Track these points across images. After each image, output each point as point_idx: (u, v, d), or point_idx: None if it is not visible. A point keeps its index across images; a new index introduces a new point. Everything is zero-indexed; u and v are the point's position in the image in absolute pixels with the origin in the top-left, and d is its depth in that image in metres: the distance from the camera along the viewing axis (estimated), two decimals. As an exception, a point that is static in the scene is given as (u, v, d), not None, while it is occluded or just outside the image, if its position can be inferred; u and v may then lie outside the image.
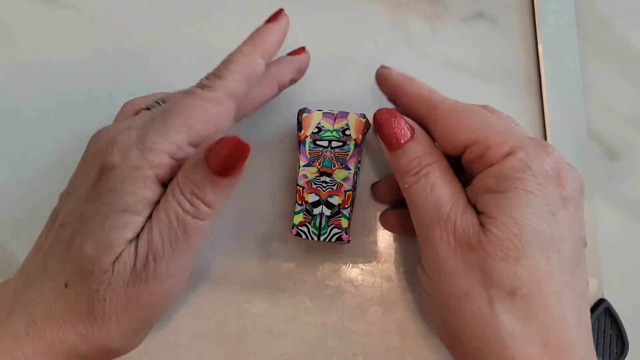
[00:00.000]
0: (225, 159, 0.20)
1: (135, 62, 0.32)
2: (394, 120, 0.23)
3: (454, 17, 0.33)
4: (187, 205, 0.20)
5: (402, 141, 0.23)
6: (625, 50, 0.33)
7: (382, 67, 0.26)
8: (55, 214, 0.23)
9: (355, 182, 0.27)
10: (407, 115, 0.24)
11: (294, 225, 0.26)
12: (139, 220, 0.20)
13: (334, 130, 0.27)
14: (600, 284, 0.30)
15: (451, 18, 0.33)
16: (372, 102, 0.31)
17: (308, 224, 0.26)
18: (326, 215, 0.26)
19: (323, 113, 0.27)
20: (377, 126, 0.23)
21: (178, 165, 0.21)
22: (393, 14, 0.33)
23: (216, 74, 0.22)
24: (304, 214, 0.26)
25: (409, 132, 0.23)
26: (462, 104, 0.23)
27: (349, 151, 0.26)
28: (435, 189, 0.22)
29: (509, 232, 0.20)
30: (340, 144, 0.27)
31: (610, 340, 0.29)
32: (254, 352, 0.28)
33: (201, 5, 0.32)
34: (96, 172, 0.21)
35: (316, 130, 0.27)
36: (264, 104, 0.27)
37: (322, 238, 0.26)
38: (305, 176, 0.26)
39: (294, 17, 0.32)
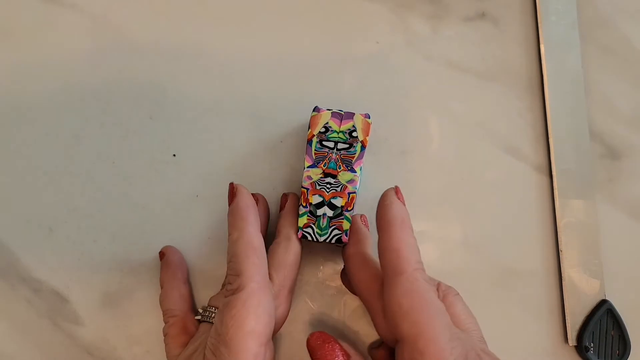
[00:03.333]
0: None
1: (137, 63, 0.32)
2: (327, 347, 0.23)
3: (456, 18, 0.33)
4: None
5: None
6: (627, 50, 0.33)
7: (396, 190, 0.25)
8: None
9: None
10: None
11: (298, 228, 0.26)
12: None
13: (340, 131, 0.27)
14: (602, 285, 0.30)
15: (453, 18, 0.33)
16: (374, 102, 0.31)
17: (312, 225, 0.26)
18: (328, 216, 0.26)
19: (332, 113, 0.27)
20: (309, 351, 0.23)
21: None
22: (395, 15, 0.33)
23: (233, 274, 0.23)
24: (308, 216, 0.26)
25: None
26: (422, 282, 0.22)
27: (355, 153, 0.26)
28: None
29: None
30: (347, 146, 0.26)
31: (612, 340, 0.29)
32: (255, 352, 0.28)
33: (201, 5, 0.32)
34: None
35: (323, 130, 0.27)
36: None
37: (321, 239, 0.26)
38: (309, 177, 0.26)
39: (295, 18, 0.33)
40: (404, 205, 0.24)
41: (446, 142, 0.31)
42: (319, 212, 0.26)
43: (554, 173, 0.31)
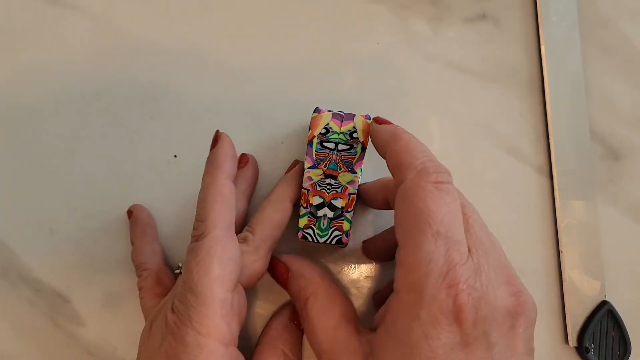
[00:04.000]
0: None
1: (136, 62, 0.32)
2: (273, 264, 0.26)
3: (457, 18, 0.33)
4: None
5: (283, 281, 0.26)
6: (628, 50, 0.33)
7: (375, 120, 0.25)
8: None
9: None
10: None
11: (299, 229, 0.26)
12: None
13: (340, 132, 0.27)
14: (603, 286, 0.30)
15: (453, 19, 0.33)
16: (374, 103, 0.31)
17: (313, 226, 0.26)
18: (328, 217, 0.26)
19: (332, 114, 0.27)
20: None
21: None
22: (395, 15, 0.33)
23: (199, 219, 0.22)
24: (309, 217, 0.26)
25: (284, 272, 0.25)
26: (419, 187, 0.20)
27: (355, 154, 0.26)
28: (315, 325, 0.23)
29: None
30: (347, 147, 0.26)
31: (613, 342, 0.29)
32: (255, 352, 0.28)
33: (202, 6, 0.33)
34: None
35: (324, 131, 0.27)
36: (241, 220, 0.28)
37: (322, 240, 0.26)
38: (310, 178, 0.26)
39: (295, 18, 0.33)
40: (390, 124, 0.24)
41: (447, 143, 0.31)
42: (320, 213, 0.26)
43: (554, 174, 0.31)
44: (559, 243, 0.30)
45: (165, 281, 0.27)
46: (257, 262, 0.25)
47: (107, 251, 0.29)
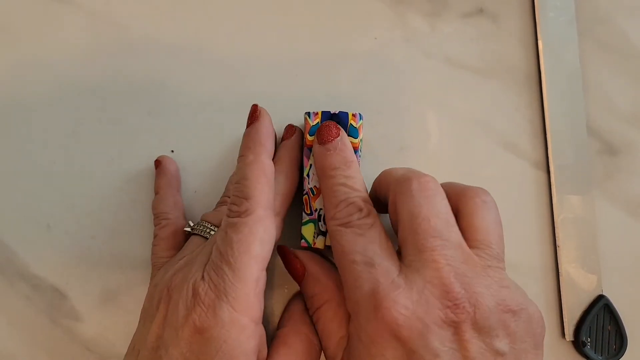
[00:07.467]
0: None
1: (135, 58, 0.32)
2: (287, 259, 0.26)
3: (454, 14, 0.33)
4: None
5: (298, 278, 0.26)
6: (625, 46, 0.33)
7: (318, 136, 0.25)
8: None
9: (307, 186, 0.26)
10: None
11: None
12: None
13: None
14: (600, 280, 0.30)
15: (451, 14, 0.33)
16: (372, 98, 0.31)
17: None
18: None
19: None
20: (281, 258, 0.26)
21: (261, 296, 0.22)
22: (393, 11, 0.33)
23: (242, 196, 0.22)
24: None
25: (300, 270, 0.25)
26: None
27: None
28: (325, 332, 0.24)
29: None
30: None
31: (609, 336, 0.29)
32: (253, 348, 0.28)
33: (201, 2, 0.32)
34: (188, 332, 0.20)
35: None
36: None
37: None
38: None
39: (293, 14, 0.32)
40: (328, 143, 0.25)
41: (444, 138, 0.31)
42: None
43: (551, 169, 0.31)
44: (556, 237, 0.30)
45: (181, 236, 0.27)
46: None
47: (105, 247, 0.29)
